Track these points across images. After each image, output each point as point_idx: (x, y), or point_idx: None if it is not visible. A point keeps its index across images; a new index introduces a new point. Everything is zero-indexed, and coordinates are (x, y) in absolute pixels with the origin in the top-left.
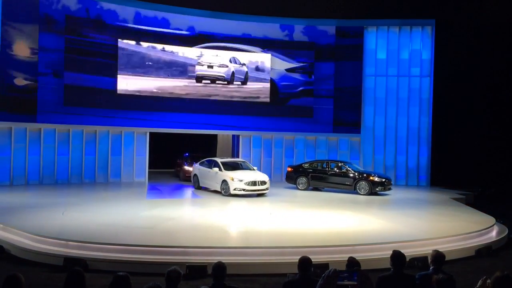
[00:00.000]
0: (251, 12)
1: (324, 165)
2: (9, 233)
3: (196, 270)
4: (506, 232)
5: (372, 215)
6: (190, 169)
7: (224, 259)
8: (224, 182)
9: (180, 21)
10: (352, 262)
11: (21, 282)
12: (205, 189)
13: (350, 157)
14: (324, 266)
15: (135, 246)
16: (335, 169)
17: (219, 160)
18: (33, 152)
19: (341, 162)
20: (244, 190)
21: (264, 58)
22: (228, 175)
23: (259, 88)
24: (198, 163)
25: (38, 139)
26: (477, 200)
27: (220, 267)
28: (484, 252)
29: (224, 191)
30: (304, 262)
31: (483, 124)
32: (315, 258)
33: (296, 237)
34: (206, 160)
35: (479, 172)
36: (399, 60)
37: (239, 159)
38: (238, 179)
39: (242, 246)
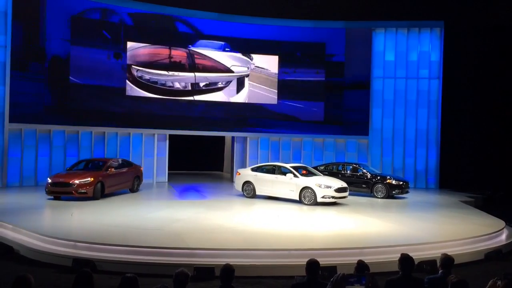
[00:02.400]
0: (257, 14)
1: (340, 168)
2: (19, 234)
3: (203, 272)
4: None
5: (381, 218)
6: (48, 180)
7: (232, 261)
8: (306, 189)
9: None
10: (361, 266)
11: (30, 282)
12: (259, 197)
13: (358, 159)
14: (332, 269)
15: (143, 247)
16: (351, 171)
17: (288, 165)
18: (43, 153)
19: (357, 164)
20: (333, 197)
21: (271, 59)
22: (312, 181)
23: (267, 89)
24: (250, 168)
25: (48, 140)
26: (486, 203)
27: (228, 269)
28: (494, 255)
29: (307, 199)
30: (312, 264)
31: (493, 126)
32: (323, 261)
33: (304, 239)
34: (263, 166)
35: (489, 174)
36: (407, 62)
37: (300, 164)
38: (326, 186)
39: (250, 248)
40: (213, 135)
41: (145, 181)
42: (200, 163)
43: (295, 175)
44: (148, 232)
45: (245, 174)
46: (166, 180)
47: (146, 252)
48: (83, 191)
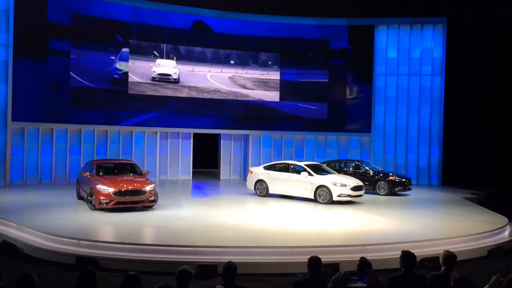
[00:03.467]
0: (261, 12)
1: (342, 165)
2: (22, 232)
3: (206, 270)
4: None
5: (383, 215)
6: (105, 189)
7: (235, 258)
8: (321, 188)
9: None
10: (364, 263)
11: (34, 280)
12: (272, 195)
13: (360, 157)
14: (335, 266)
15: (146, 245)
16: (354, 169)
17: (302, 163)
18: (45, 152)
19: (359, 161)
20: (349, 196)
21: (274, 57)
22: (328, 180)
23: (269, 88)
24: (262, 167)
25: (51, 139)
26: (489, 199)
27: (230, 266)
28: (497, 252)
29: (322, 198)
30: (314, 261)
31: (495, 123)
32: (325, 258)
33: (307, 236)
34: (276, 164)
35: (491, 171)
36: (410, 58)
37: (312, 162)
38: (341, 184)
39: (253, 245)
40: (214, 132)
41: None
42: (206, 161)
43: (309, 174)
44: (151, 230)
45: (258, 172)
46: (191, 178)
47: (149, 250)
48: (152, 199)
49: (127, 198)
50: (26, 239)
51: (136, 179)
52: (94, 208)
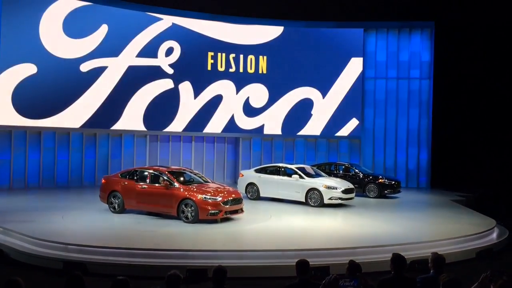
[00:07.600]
0: (248, 15)
1: (332, 168)
2: (9, 236)
3: (196, 274)
4: (507, 235)
5: (373, 218)
6: (212, 198)
7: (225, 262)
8: (313, 191)
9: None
10: (353, 266)
11: (21, 286)
12: (263, 198)
13: (350, 159)
14: (325, 269)
15: (135, 249)
16: (344, 171)
17: (293, 166)
18: (33, 155)
19: (349, 164)
20: (340, 198)
21: (263, 59)
22: (319, 183)
23: (259, 90)
24: (253, 170)
25: (38, 142)
26: (477, 202)
27: (220, 270)
28: (485, 254)
29: (313, 201)
30: (302, 265)
31: (483, 126)
32: (315, 261)
33: (297, 239)
34: (267, 167)
35: (480, 174)
36: (398, 62)
37: (303, 165)
38: (332, 187)
39: (243, 249)
40: (203, 135)
41: None
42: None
43: (300, 176)
44: (140, 234)
45: (249, 175)
46: None
47: (138, 254)
48: (243, 207)
49: (232, 207)
50: (12, 243)
51: (229, 188)
52: (190, 221)
